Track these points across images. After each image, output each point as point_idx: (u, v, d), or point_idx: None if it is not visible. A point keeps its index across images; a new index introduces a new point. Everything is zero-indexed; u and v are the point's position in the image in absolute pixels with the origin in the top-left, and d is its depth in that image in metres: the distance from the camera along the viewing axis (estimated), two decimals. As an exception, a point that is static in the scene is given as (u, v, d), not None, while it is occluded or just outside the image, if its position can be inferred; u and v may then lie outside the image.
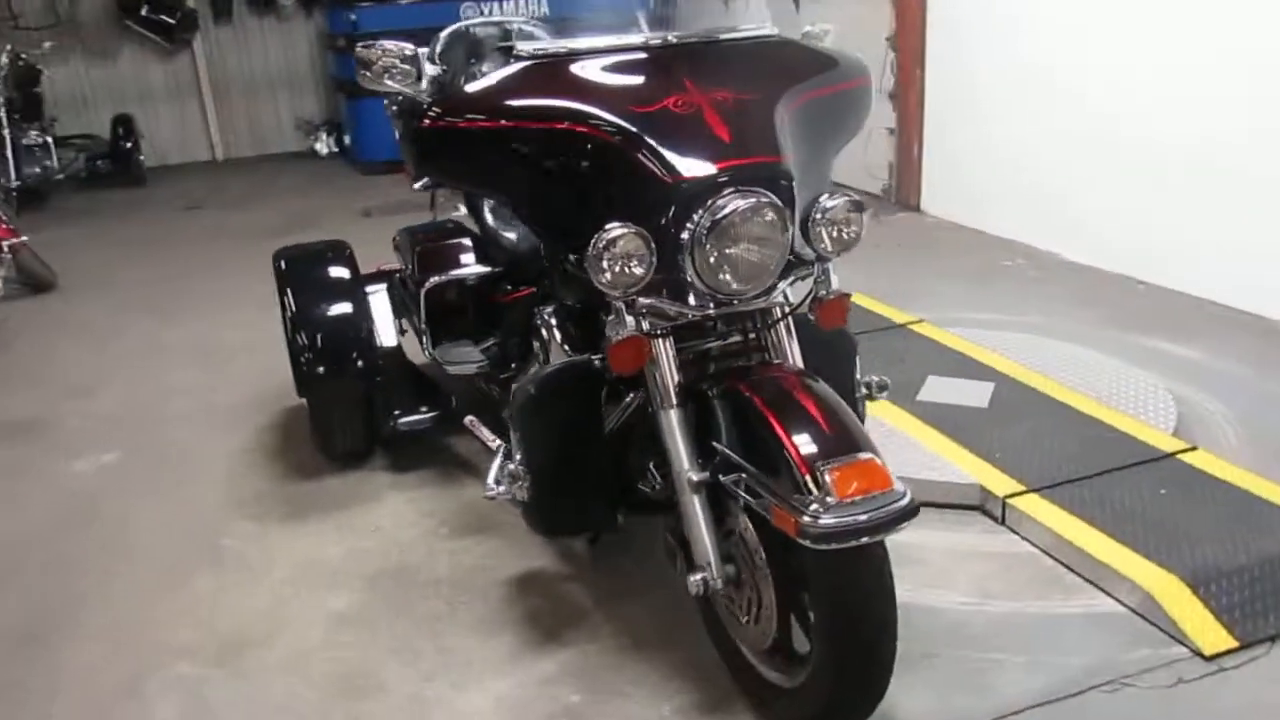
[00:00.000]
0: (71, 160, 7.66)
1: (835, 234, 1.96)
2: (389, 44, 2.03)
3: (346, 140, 8.35)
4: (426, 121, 1.92)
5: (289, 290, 3.01)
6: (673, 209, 1.81)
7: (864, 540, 1.63)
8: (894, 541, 2.54)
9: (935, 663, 2.16)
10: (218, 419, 3.62)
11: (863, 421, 2.36)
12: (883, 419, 3.10)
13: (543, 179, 1.95)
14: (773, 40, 2.17)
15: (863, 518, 1.62)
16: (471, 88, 1.97)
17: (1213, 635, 2.14)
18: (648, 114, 1.87)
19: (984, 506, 2.72)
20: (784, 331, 2.04)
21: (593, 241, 1.76)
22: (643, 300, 1.87)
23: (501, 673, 2.21)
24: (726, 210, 1.79)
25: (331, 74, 8.48)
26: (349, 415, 3.06)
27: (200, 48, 8.68)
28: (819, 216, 1.92)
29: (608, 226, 1.76)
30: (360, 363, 2.94)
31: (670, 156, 1.82)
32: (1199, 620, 2.17)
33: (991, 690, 2.07)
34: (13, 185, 6.71)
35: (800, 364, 2.04)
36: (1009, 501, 2.63)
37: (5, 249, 4.79)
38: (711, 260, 1.82)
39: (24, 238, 4.97)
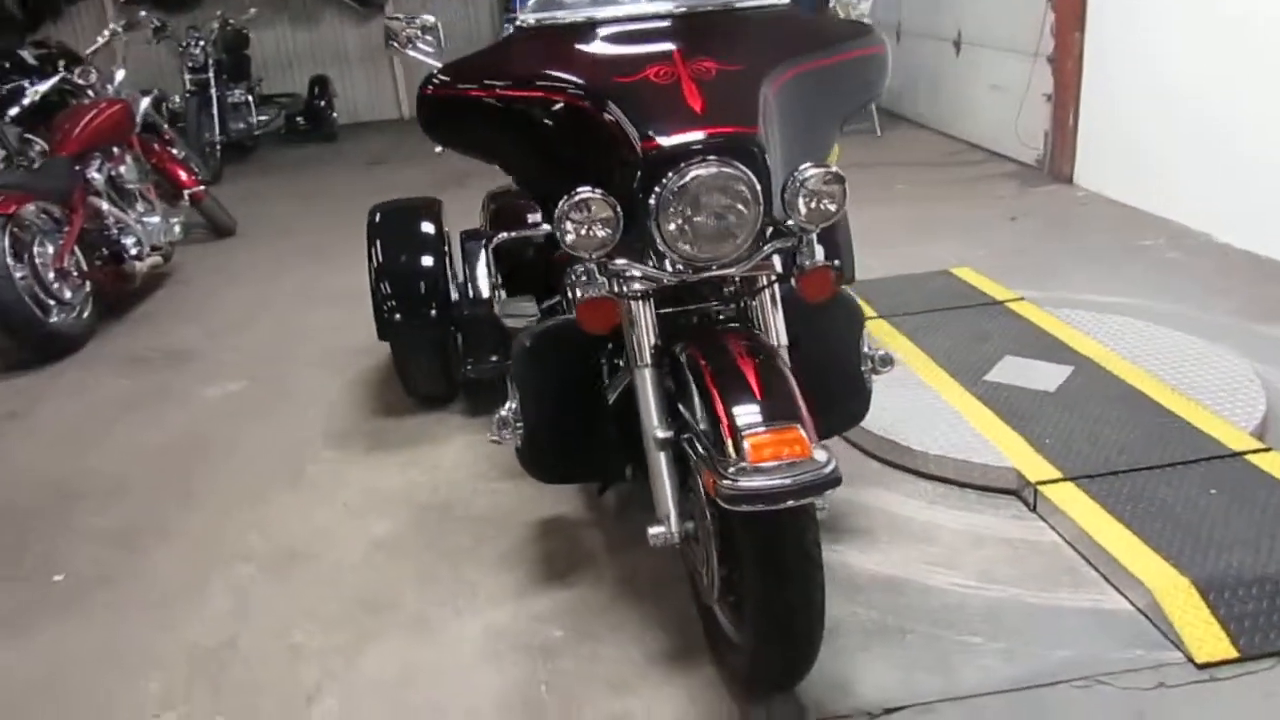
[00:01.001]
0: (273, 117, 8.42)
1: (813, 205, 1.96)
2: (415, 16, 2.20)
3: (517, 101, 8.69)
4: (429, 89, 2.08)
5: (377, 241, 3.27)
6: (639, 176, 1.88)
7: (773, 506, 1.66)
8: (907, 518, 2.58)
9: (909, 639, 2.16)
10: (337, 358, 3.99)
11: (869, 395, 2.37)
12: (943, 397, 3.05)
13: (530, 146, 2.07)
14: (776, 9, 2.18)
15: (774, 482, 1.66)
16: (471, 57, 2.11)
17: (1211, 644, 2.02)
18: (627, 83, 1.94)
19: (1019, 492, 2.64)
20: (767, 301, 2.07)
21: (559, 204, 1.86)
22: (619, 262, 1.96)
23: (501, 604, 2.39)
24: (688, 178, 1.85)
25: (506, 37, 8.85)
26: (425, 361, 3.31)
27: (391, 13, 9.27)
28: (796, 186, 1.93)
29: (574, 190, 1.86)
30: (434, 313, 3.18)
31: (642, 125, 1.89)
32: (1201, 627, 2.05)
33: (955, 672, 2.05)
34: (217, 139, 7.48)
35: (781, 333, 2.06)
36: (1040, 489, 2.55)
37: (186, 197, 5.39)
38: (672, 227, 1.88)
39: (202, 186, 5.56)
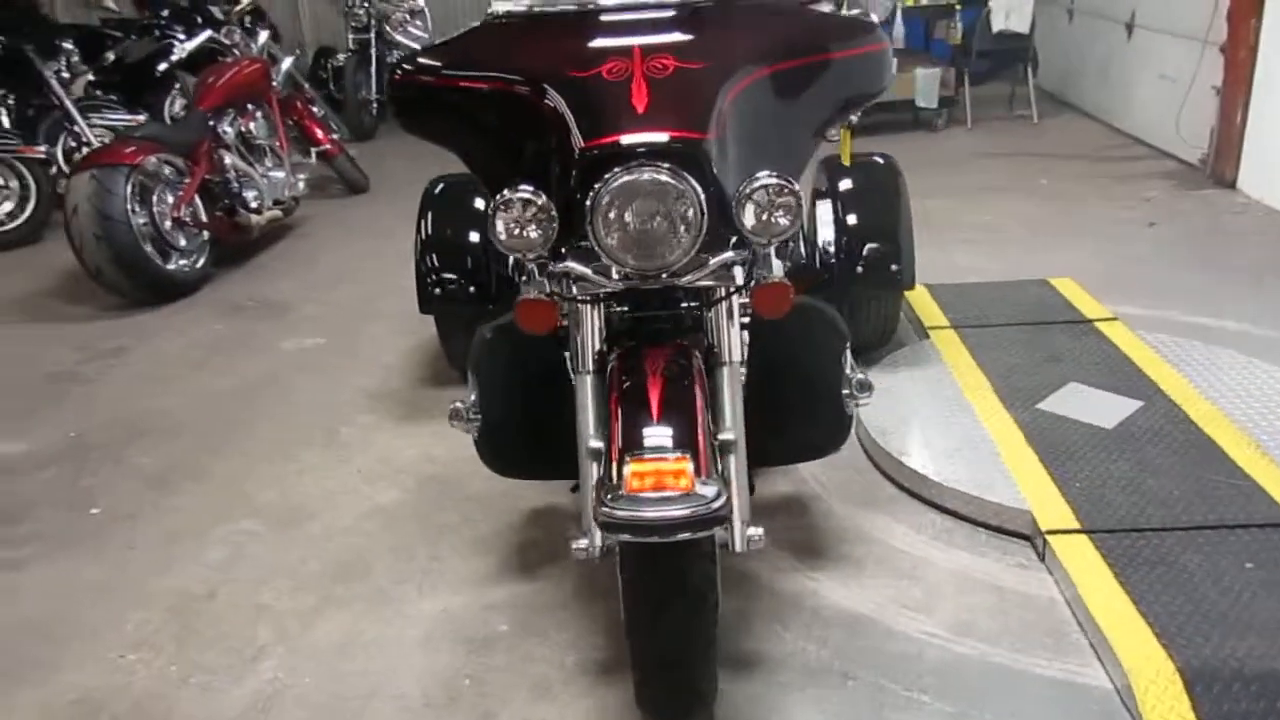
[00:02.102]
0: (432, 77, 8.68)
1: (764, 217, 1.83)
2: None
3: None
4: (397, 76, 2.06)
5: (428, 214, 3.32)
6: (574, 176, 1.80)
7: (641, 539, 1.58)
8: (901, 551, 2.42)
9: (850, 685, 2.01)
10: (409, 321, 4.04)
11: (848, 422, 2.21)
12: (983, 422, 2.81)
13: (486, 138, 2.02)
14: (763, 2, 2.03)
15: (645, 514, 1.56)
16: (440, 45, 2.08)
17: (1180, 743, 1.78)
18: (579, 79, 1.86)
19: (1033, 539, 2.40)
20: (723, 313, 1.95)
21: (491, 203, 1.82)
22: (566, 264, 1.90)
23: (460, 590, 2.40)
24: (620, 183, 1.76)
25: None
26: (466, 336, 3.34)
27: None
28: (743, 197, 1.81)
29: (506, 189, 1.81)
30: (473, 289, 3.20)
31: (584, 123, 1.81)
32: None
33: (886, 730, 1.90)
34: (373, 98, 7.80)
35: (734, 349, 1.94)
36: (1049, 538, 2.31)
37: (312, 155, 5.66)
38: (603, 232, 1.80)
39: (327, 145, 5.81)
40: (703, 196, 1.78)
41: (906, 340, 3.50)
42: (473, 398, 2.22)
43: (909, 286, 3.21)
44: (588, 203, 1.80)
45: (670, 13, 2.01)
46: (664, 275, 1.87)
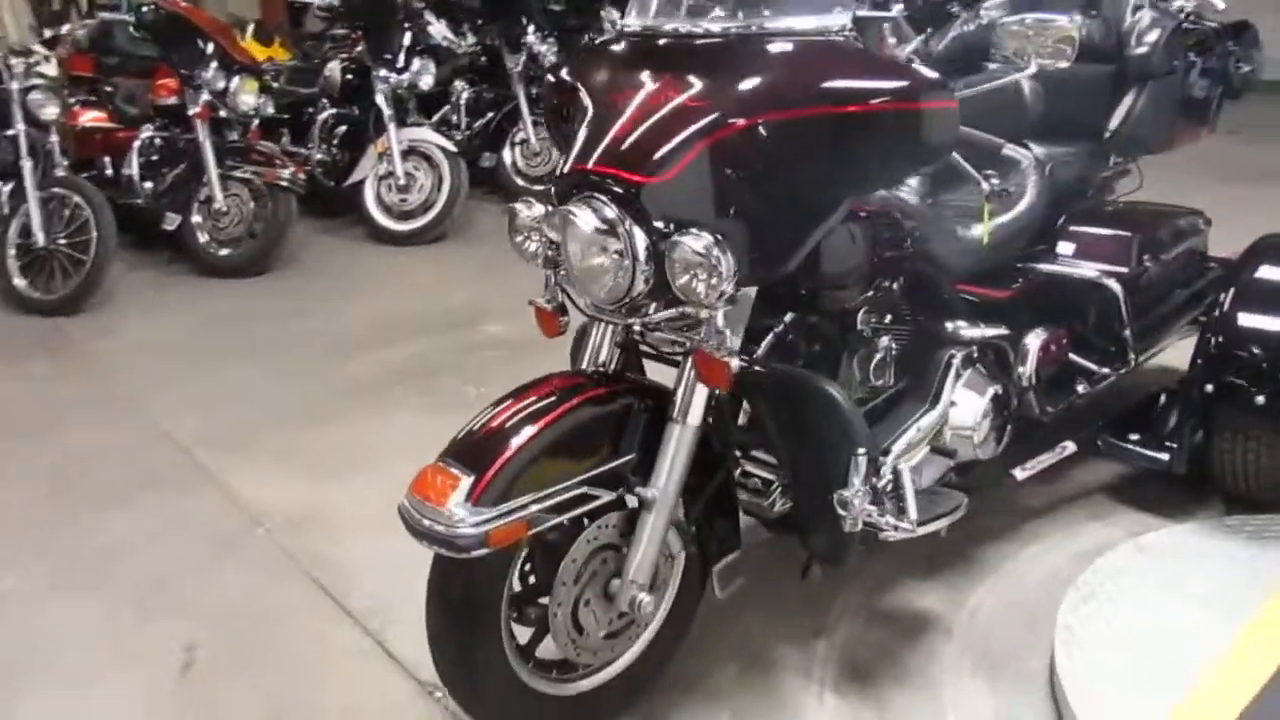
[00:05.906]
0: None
1: (687, 280, 1.68)
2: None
3: None
4: (547, 76, 2.25)
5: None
6: (556, 198, 1.87)
7: (410, 533, 1.68)
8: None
9: None
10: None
11: (846, 540, 1.95)
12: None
13: (563, 142, 2.09)
14: (808, 40, 1.73)
15: (406, 510, 1.69)
16: (571, 55, 2.18)
17: None
18: (605, 99, 1.86)
19: None
20: (687, 368, 1.83)
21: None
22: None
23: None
24: (559, 211, 1.79)
25: None
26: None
27: None
28: (667, 251, 1.68)
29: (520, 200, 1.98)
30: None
31: (577, 145, 1.82)
32: None
33: None
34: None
35: (691, 409, 1.83)
36: None
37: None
38: (556, 253, 1.86)
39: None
40: (638, 239, 1.70)
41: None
42: None
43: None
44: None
45: (737, 45, 1.81)
46: (622, 311, 1.84)
